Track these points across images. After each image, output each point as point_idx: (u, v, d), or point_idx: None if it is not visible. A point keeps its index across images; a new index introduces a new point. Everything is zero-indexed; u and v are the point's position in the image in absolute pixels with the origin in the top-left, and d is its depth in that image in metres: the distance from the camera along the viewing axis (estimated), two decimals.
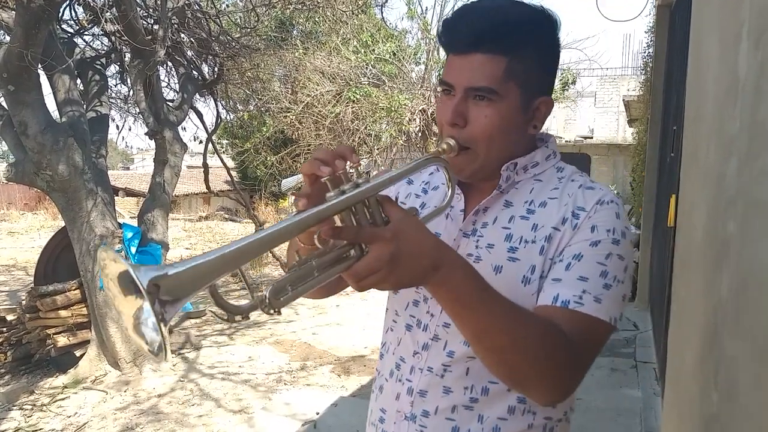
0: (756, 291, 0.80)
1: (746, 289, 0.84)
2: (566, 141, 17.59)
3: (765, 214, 0.78)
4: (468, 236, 0.99)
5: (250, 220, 8.51)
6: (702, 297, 1.14)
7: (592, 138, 17.79)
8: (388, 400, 1.06)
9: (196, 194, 21.48)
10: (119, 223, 4.57)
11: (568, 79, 13.30)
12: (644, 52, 10.07)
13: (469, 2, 0.96)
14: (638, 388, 3.94)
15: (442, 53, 11.78)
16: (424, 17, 11.76)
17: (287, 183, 12.86)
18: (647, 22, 9.69)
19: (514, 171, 0.98)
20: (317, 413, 3.70)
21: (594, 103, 18.25)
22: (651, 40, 7.58)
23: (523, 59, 0.91)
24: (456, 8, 0.98)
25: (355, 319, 6.21)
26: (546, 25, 0.94)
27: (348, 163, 0.80)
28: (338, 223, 0.78)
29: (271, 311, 0.69)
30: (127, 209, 16.76)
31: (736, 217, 0.92)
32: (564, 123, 18.56)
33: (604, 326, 0.87)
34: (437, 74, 11.61)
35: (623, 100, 13.19)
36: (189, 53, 5.59)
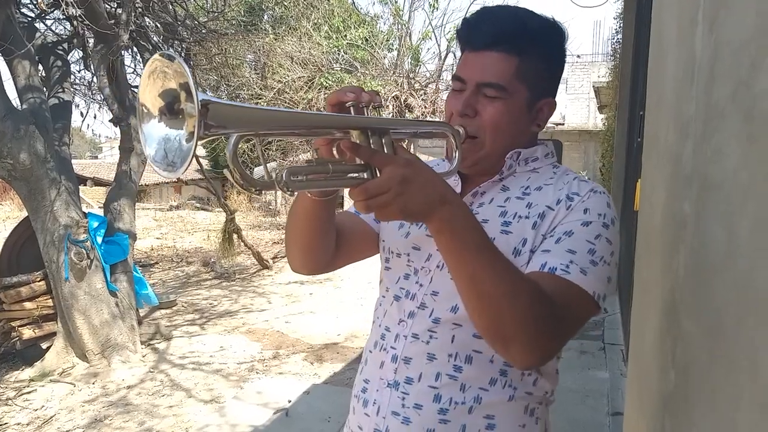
0: (708, 270, 0.81)
1: (700, 268, 0.85)
2: None
3: (718, 194, 0.79)
4: None
5: (222, 209, 8.41)
6: (661, 276, 1.16)
7: (563, 124, 17.98)
8: (371, 369, 1.07)
9: (167, 183, 21.16)
10: (84, 213, 4.47)
11: None
12: (613, 39, 10.19)
13: (488, 6, 1.05)
14: (606, 370, 4.02)
15: (414, 39, 11.78)
16: (396, 2, 11.69)
17: (260, 171, 12.75)
18: (616, 9, 9.80)
19: (516, 161, 1.04)
20: (289, 401, 3.69)
21: (565, 90, 18.42)
22: (619, 27, 7.67)
23: (533, 62, 0.99)
24: (478, 10, 1.05)
25: (329, 307, 6.21)
26: (556, 34, 1.02)
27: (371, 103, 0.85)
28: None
29: (286, 189, 0.72)
30: (95, 199, 16.42)
31: (691, 198, 0.93)
32: None
33: (587, 298, 0.89)
34: (409, 60, 11.58)
35: (593, 86, 13.34)
36: (154, 38, 5.46)
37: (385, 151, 0.81)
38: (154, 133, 0.68)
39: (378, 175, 0.77)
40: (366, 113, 0.85)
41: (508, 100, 0.98)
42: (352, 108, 0.84)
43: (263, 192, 0.83)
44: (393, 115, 10.83)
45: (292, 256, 1.10)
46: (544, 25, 1.00)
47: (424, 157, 1.11)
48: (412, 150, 1.17)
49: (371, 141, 0.81)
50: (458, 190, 1.07)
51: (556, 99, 1.07)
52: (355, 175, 0.79)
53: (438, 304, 1.00)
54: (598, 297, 0.90)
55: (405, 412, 0.99)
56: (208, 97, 0.62)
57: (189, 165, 0.64)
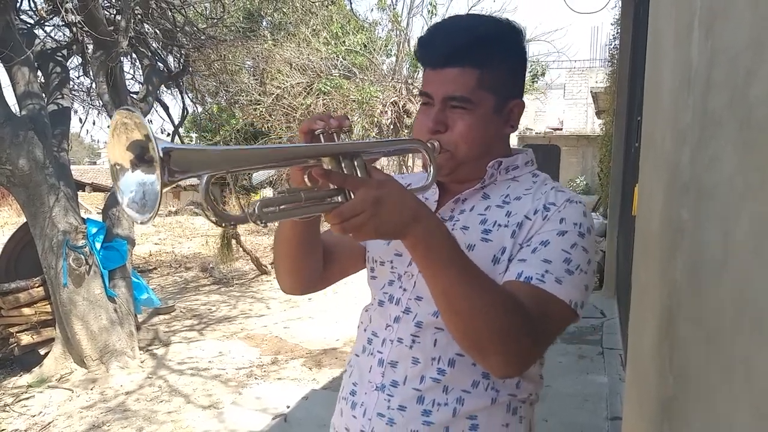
0: (705, 275, 0.81)
1: (697, 274, 0.86)
2: (536, 133, 17.78)
3: (714, 201, 0.80)
4: (445, 221, 1.04)
5: None
6: (659, 282, 1.16)
7: (561, 129, 18.03)
8: (360, 373, 1.10)
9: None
10: (83, 218, 4.47)
11: (537, 72, 13.41)
12: (611, 44, 10.23)
13: (441, 20, 1.06)
14: (605, 374, 4.02)
15: (413, 44, 11.78)
16: (394, 8, 11.72)
17: (258, 176, 12.73)
18: (614, 15, 9.84)
19: (498, 170, 1.06)
20: (288, 407, 3.69)
21: (563, 95, 18.49)
22: (617, 33, 7.69)
23: (493, 69, 0.99)
24: (429, 27, 1.07)
25: (328, 312, 6.20)
26: (511, 36, 1.02)
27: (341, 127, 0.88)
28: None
29: (258, 222, 0.74)
30: (94, 204, 16.41)
31: (689, 205, 0.94)
32: (534, 115, 18.74)
33: (562, 306, 0.90)
34: (408, 66, 11.61)
35: (591, 91, 13.39)
36: (153, 44, 5.47)
37: (358, 174, 0.83)
38: (130, 182, 0.70)
39: (352, 197, 0.79)
40: (337, 139, 0.87)
41: (475, 111, 0.99)
42: (321, 135, 0.86)
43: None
44: (391, 121, 10.84)
45: (282, 280, 1.15)
46: (498, 30, 1.01)
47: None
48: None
49: (343, 165, 0.83)
50: (436, 198, 1.09)
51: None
52: (330, 199, 0.81)
53: (421, 309, 1.02)
54: (575, 305, 0.91)
55: (390, 414, 1.01)
56: (169, 144, 0.65)
57: (158, 209, 0.67)
